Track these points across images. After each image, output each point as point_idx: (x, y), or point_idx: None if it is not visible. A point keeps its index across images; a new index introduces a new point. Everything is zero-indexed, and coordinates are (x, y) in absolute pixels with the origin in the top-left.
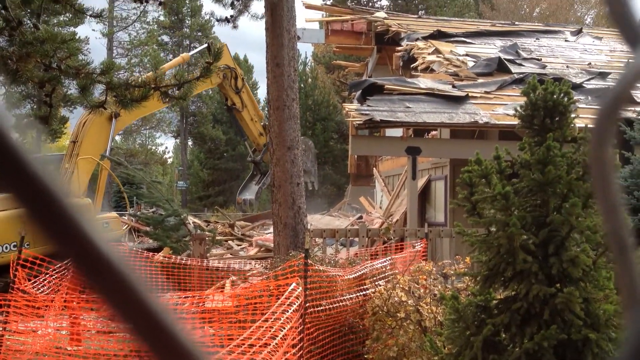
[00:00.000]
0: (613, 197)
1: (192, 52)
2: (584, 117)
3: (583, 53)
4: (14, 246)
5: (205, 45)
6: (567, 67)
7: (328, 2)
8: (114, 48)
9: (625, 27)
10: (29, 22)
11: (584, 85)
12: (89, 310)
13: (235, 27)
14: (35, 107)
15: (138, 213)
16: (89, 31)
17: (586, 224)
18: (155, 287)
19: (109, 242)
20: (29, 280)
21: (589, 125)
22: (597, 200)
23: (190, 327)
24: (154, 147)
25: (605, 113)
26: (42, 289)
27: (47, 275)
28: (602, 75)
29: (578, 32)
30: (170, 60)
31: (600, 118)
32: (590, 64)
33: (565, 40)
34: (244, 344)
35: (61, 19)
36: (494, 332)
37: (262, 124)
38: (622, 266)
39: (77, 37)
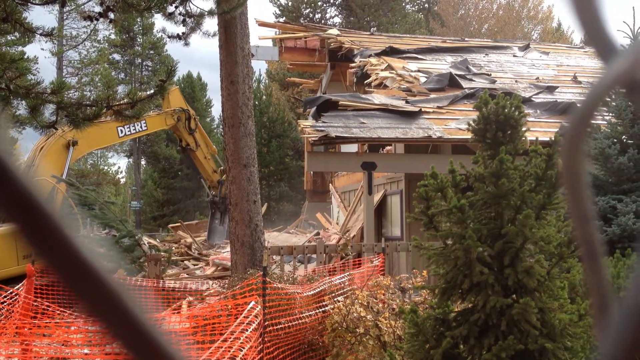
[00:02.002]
0: (584, 207)
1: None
2: (534, 130)
3: (531, 68)
4: None
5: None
6: (516, 81)
7: (281, 20)
8: (64, 67)
9: (597, 39)
10: None
11: (532, 99)
12: (41, 336)
13: (187, 44)
14: None
15: (91, 235)
16: (38, 50)
17: (540, 235)
18: None
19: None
20: None
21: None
22: (568, 206)
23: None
24: (106, 167)
25: (577, 125)
26: None
27: None
28: (550, 89)
29: (525, 48)
30: (121, 78)
31: (572, 129)
32: (538, 78)
33: (514, 56)
34: None
35: (9, 38)
36: (453, 345)
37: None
38: (593, 275)
39: (26, 57)
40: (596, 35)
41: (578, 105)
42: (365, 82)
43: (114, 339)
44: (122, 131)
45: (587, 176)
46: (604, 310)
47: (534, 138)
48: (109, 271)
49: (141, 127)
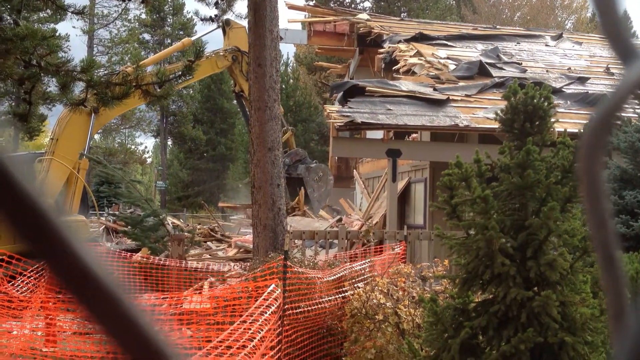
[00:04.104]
0: (602, 210)
1: (195, 37)
2: (563, 121)
3: (563, 58)
4: None
5: (217, 25)
6: (547, 71)
7: (311, 3)
8: (95, 46)
9: (616, 41)
10: (8, 18)
11: (563, 89)
12: (65, 311)
13: (219, 26)
14: (14, 104)
15: (117, 213)
16: (70, 28)
17: (564, 228)
18: (133, 287)
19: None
20: (8, 280)
21: (578, 137)
22: (585, 212)
23: (168, 328)
24: (133, 147)
25: (598, 125)
26: (20, 289)
27: (24, 276)
28: (582, 80)
29: (558, 37)
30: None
31: (592, 130)
32: (569, 68)
33: (546, 45)
34: (221, 346)
35: (41, 15)
36: (472, 335)
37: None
38: (609, 278)
39: (57, 34)
40: (616, 37)
41: (598, 108)
42: (394, 68)
43: (111, 339)
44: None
45: (605, 180)
46: (619, 314)
47: (562, 129)
48: (107, 272)
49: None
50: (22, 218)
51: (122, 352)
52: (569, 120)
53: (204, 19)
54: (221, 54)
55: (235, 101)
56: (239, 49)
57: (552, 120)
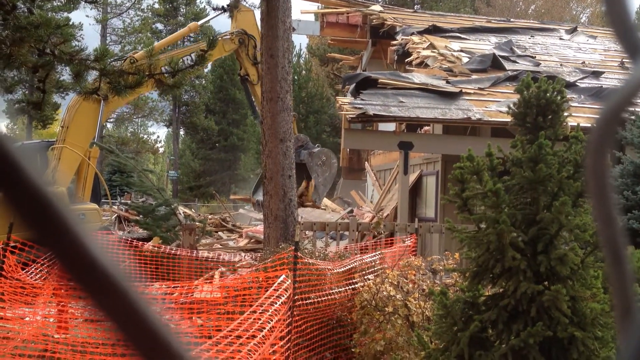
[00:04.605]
0: (609, 206)
1: (201, 22)
2: (576, 115)
3: (577, 51)
4: None
5: (223, 10)
6: (561, 65)
7: None
8: (108, 35)
9: (625, 38)
10: (23, 6)
11: (577, 83)
12: (77, 298)
13: (231, 16)
14: (27, 92)
15: (128, 202)
16: (83, 17)
17: (575, 223)
18: (144, 276)
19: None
20: (22, 267)
21: (589, 132)
22: (592, 208)
23: (179, 317)
24: (145, 136)
25: (605, 121)
26: (32, 276)
27: (37, 263)
28: (596, 74)
29: (573, 31)
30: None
31: (600, 125)
32: (584, 62)
33: (560, 39)
34: (231, 336)
35: (55, 4)
36: (481, 329)
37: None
38: (616, 276)
39: (71, 23)
40: (624, 33)
41: (606, 103)
42: (406, 60)
43: (122, 337)
44: (165, 69)
45: (612, 178)
46: (627, 311)
47: (575, 124)
48: (112, 262)
49: (192, 59)
50: (28, 207)
51: (128, 344)
52: (582, 115)
53: (215, 9)
54: (228, 37)
55: None
56: (246, 32)
57: (565, 114)
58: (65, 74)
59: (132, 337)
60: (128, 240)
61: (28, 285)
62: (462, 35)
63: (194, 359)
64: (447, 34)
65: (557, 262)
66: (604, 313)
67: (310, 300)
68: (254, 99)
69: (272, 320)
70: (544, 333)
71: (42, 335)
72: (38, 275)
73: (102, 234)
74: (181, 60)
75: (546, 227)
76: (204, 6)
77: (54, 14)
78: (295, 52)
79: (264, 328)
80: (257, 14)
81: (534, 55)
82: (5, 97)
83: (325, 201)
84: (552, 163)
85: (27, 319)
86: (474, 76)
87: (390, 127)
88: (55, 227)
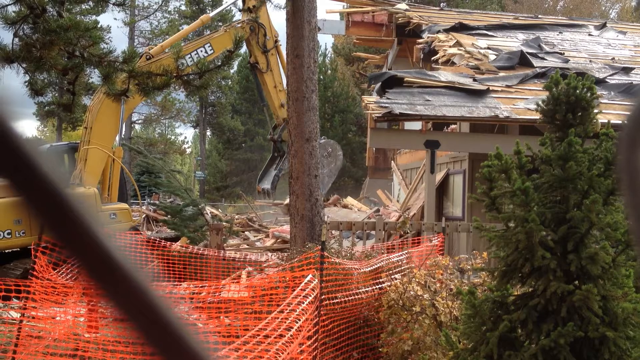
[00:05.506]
0: None
1: (212, 13)
2: (606, 112)
3: (607, 48)
4: (8, 234)
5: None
6: (590, 61)
7: None
8: (135, 37)
9: None
10: (52, 9)
11: (607, 80)
12: (97, 297)
13: (257, 17)
14: (57, 95)
15: (157, 202)
16: (111, 20)
17: (606, 221)
18: (172, 276)
19: (113, 232)
20: (53, 267)
21: (620, 128)
22: (625, 206)
23: (206, 316)
24: (173, 137)
25: (637, 118)
26: (63, 276)
27: (67, 263)
28: (626, 71)
29: (602, 27)
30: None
31: (633, 121)
32: (613, 58)
33: (589, 35)
34: (259, 335)
35: (84, 7)
36: (510, 328)
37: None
38: None
39: (99, 26)
40: None
41: (635, 103)
42: (433, 58)
43: (140, 337)
44: (182, 64)
45: None
46: None
47: (605, 121)
48: (135, 267)
49: (205, 51)
50: (49, 211)
51: (146, 343)
52: (612, 112)
53: (242, 10)
54: (239, 25)
55: None
56: (256, 20)
57: (595, 111)
58: (94, 76)
59: (150, 336)
60: (156, 240)
61: (59, 285)
62: (489, 33)
63: (213, 358)
64: (473, 32)
65: (587, 261)
66: (636, 313)
67: (337, 300)
68: (263, 89)
69: (299, 320)
70: (574, 333)
71: (72, 335)
72: (69, 275)
73: (131, 234)
74: (195, 52)
75: (576, 225)
76: (230, 7)
77: (82, 17)
78: (320, 52)
79: (292, 327)
80: (283, 14)
81: (562, 52)
82: (36, 100)
83: (352, 200)
84: (582, 161)
85: (58, 318)
86: (502, 74)
87: (417, 125)
88: (74, 229)
